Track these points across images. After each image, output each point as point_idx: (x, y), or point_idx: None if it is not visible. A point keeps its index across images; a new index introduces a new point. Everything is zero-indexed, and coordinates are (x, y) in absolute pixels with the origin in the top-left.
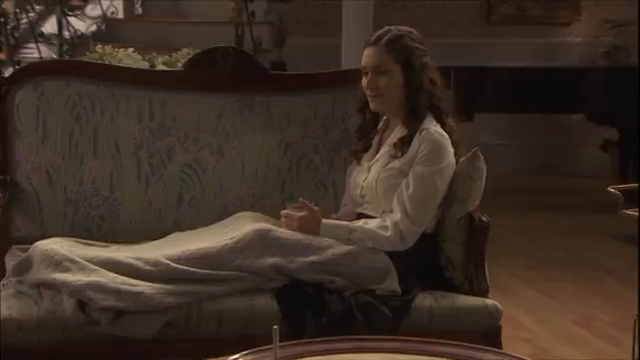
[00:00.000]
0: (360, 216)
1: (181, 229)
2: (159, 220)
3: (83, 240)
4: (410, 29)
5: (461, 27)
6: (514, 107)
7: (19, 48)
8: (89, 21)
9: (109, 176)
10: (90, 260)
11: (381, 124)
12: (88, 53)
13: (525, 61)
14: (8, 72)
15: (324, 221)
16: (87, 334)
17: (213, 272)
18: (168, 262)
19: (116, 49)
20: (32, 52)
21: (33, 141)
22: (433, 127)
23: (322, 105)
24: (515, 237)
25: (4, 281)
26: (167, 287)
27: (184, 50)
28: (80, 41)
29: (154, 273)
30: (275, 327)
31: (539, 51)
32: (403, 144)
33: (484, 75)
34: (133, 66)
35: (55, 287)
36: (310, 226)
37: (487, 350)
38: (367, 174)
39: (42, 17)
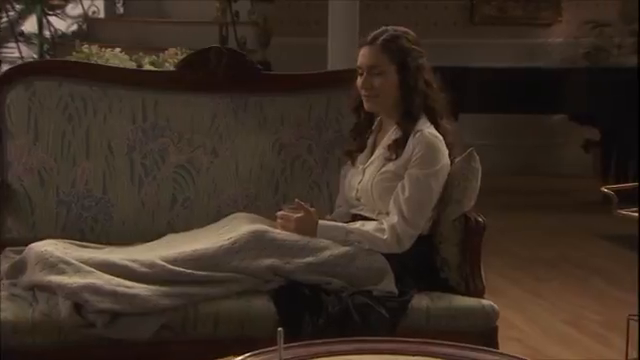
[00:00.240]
0: (356, 217)
1: (175, 230)
2: (152, 221)
3: (77, 242)
4: (407, 30)
5: (444, 27)
6: (497, 107)
7: None
8: (70, 20)
9: (102, 177)
10: (85, 262)
11: (375, 124)
12: (74, 53)
13: (507, 61)
14: None
15: (321, 222)
16: (83, 337)
17: (209, 274)
18: (164, 264)
19: (103, 49)
20: (12, 52)
21: (25, 142)
22: (427, 129)
23: (316, 106)
24: (500, 237)
25: None
26: (163, 289)
27: (171, 50)
28: (61, 40)
29: (150, 275)
30: (280, 329)
31: (521, 52)
32: (397, 146)
33: (467, 75)
34: (121, 66)
35: (50, 289)
36: (307, 227)
37: (491, 351)
38: (362, 176)
39: (22, 16)
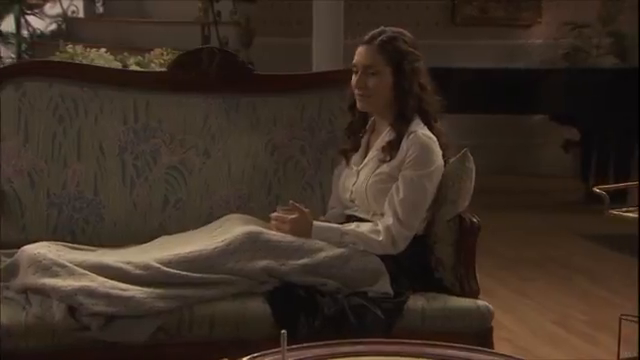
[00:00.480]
0: (350, 218)
1: (167, 232)
2: (144, 223)
3: (70, 244)
4: (404, 32)
5: (425, 28)
6: (478, 108)
7: None
8: (48, 20)
9: (93, 179)
10: (79, 264)
11: (369, 124)
12: (58, 53)
13: (488, 62)
14: None
15: (315, 223)
16: (77, 340)
17: (205, 275)
18: (159, 266)
19: (88, 49)
20: None
21: (15, 143)
22: (421, 130)
23: (308, 106)
24: (484, 237)
25: None
26: (158, 291)
27: (157, 50)
28: (40, 40)
29: (144, 277)
30: (283, 332)
31: (502, 52)
32: (391, 148)
33: (449, 76)
34: (107, 66)
35: (44, 292)
36: (302, 228)
37: (495, 354)
38: (356, 178)
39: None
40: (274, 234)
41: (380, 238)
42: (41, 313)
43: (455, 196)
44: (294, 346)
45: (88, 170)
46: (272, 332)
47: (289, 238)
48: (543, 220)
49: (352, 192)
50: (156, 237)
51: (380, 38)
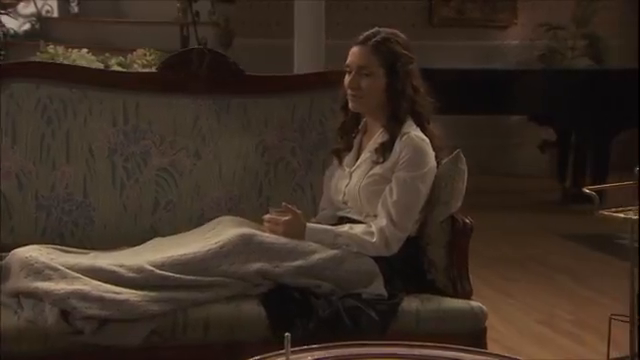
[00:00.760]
0: (343, 219)
1: (158, 234)
2: (135, 225)
3: (61, 247)
4: (398, 33)
5: (403, 29)
6: (456, 108)
7: None
8: (22, 19)
9: (82, 181)
10: (71, 268)
11: (361, 125)
12: (38, 53)
13: (466, 63)
14: None
15: (309, 225)
16: (70, 344)
17: (198, 278)
18: (152, 269)
19: (70, 50)
20: None
21: (2, 145)
22: (414, 131)
23: (299, 107)
24: None
25: None
26: (152, 294)
27: (140, 51)
28: (13, 40)
29: (138, 280)
30: (287, 334)
31: (479, 53)
32: (384, 149)
33: (426, 77)
34: (89, 66)
35: (36, 296)
36: (295, 230)
37: (490, 354)
38: (349, 180)
39: None
40: (267, 236)
41: (373, 240)
42: (33, 317)
43: (448, 197)
44: (295, 349)
45: (77, 172)
46: (267, 335)
47: (282, 240)
48: (520, 220)
49: (345, 194)
50: (147, 240)
51: (375, 39)
